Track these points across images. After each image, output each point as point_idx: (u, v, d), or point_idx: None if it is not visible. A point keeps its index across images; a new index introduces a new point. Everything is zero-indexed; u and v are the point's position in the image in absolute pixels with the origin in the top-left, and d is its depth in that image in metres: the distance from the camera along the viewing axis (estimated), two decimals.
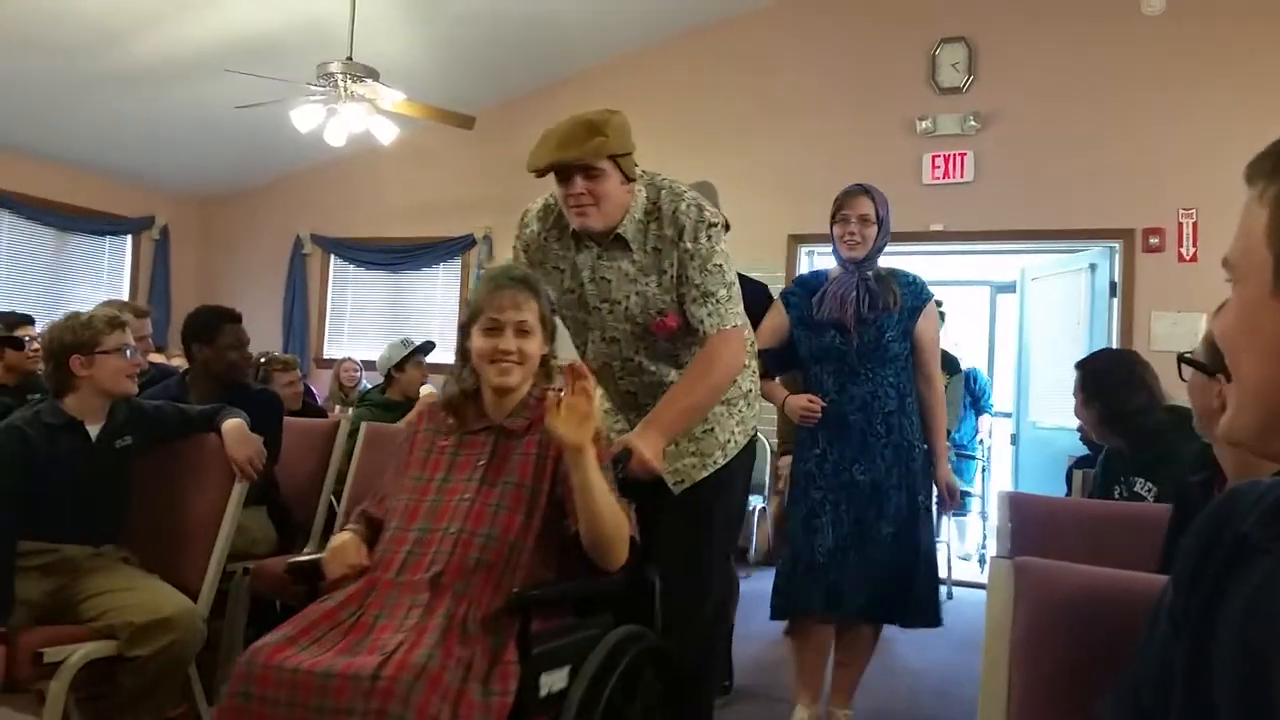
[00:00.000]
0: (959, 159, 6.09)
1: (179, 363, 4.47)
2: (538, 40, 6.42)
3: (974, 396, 6.78)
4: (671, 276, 2.21)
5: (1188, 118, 5.61)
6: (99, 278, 7.86)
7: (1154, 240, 5.68)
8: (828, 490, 2.97)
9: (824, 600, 2.92)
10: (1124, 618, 0.96)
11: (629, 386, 2.38)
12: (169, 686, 2.50)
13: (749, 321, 2.40)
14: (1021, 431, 6.73)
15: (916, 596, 2.94)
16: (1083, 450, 3.97)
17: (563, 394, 1.79)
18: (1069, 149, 5.85)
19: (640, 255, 2.22)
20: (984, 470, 6.75)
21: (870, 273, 3.01)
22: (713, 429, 2.33)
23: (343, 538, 1.99)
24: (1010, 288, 7.64)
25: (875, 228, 2.99)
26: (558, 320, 2.22)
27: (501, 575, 1.81)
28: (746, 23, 6.64)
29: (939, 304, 5.85)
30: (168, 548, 2.71)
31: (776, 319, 3.12)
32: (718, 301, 2.19)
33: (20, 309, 5.24)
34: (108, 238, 7.90)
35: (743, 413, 2.42)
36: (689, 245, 2.18)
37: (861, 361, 2.96)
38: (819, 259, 6.41)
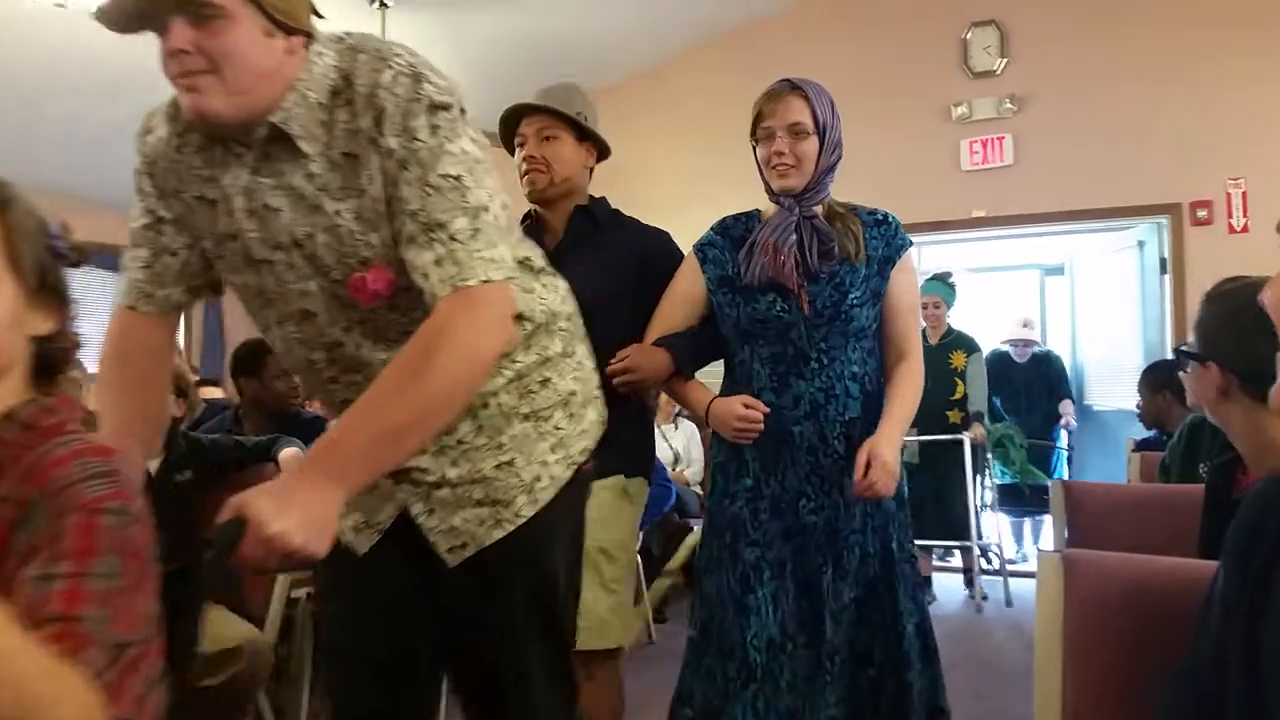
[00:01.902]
0: (997, 143, 6.00)
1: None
2: (566, 57, 6.47)
3: (1050, 382, 6.28)
4: (374, 198, 1.26)
5: (1230, 86, 5.48)
6: None
7: (1202, 213, 5.54)
8: (766, 545, 2.00)
9: None
10: (1176, 606, 0.95)
11: (346, 393, 1.38)
12: (238, 715, 2.55)
13: (518, 273, 1.36)
14: (1078, 416, 6.61)
15: (904, 701, 1.95)
16: (1142, 433, 3.90)
17: None
18: (1109, 125, 5.74)
19: (322, 165, 1.27)
20: (1069, 460, 6.28)
21: (817, 208, 2.07)
22: (512, 460, 1.43)
23: None
24: (1059, 270, 7.54)
25: (815, 140, 2.05)
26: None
27: None
28: (773, 26, 6.60)
29: (948, 275, 5.66)
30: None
31: (687, 283, 2.14)
32: (453, 239, 1.22)
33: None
34: None
35: (563, 430, 1.50)
36: (394, 142, 1.22)
37: (813, 339, 2.00)
38: None
